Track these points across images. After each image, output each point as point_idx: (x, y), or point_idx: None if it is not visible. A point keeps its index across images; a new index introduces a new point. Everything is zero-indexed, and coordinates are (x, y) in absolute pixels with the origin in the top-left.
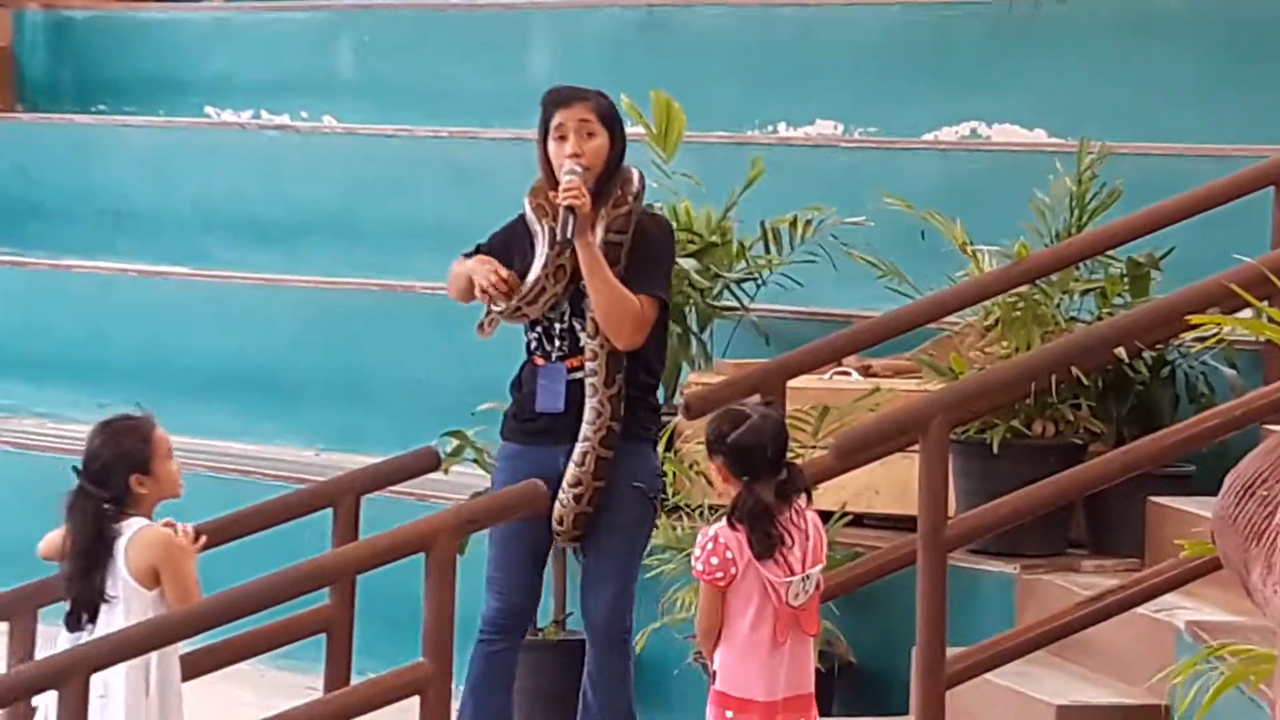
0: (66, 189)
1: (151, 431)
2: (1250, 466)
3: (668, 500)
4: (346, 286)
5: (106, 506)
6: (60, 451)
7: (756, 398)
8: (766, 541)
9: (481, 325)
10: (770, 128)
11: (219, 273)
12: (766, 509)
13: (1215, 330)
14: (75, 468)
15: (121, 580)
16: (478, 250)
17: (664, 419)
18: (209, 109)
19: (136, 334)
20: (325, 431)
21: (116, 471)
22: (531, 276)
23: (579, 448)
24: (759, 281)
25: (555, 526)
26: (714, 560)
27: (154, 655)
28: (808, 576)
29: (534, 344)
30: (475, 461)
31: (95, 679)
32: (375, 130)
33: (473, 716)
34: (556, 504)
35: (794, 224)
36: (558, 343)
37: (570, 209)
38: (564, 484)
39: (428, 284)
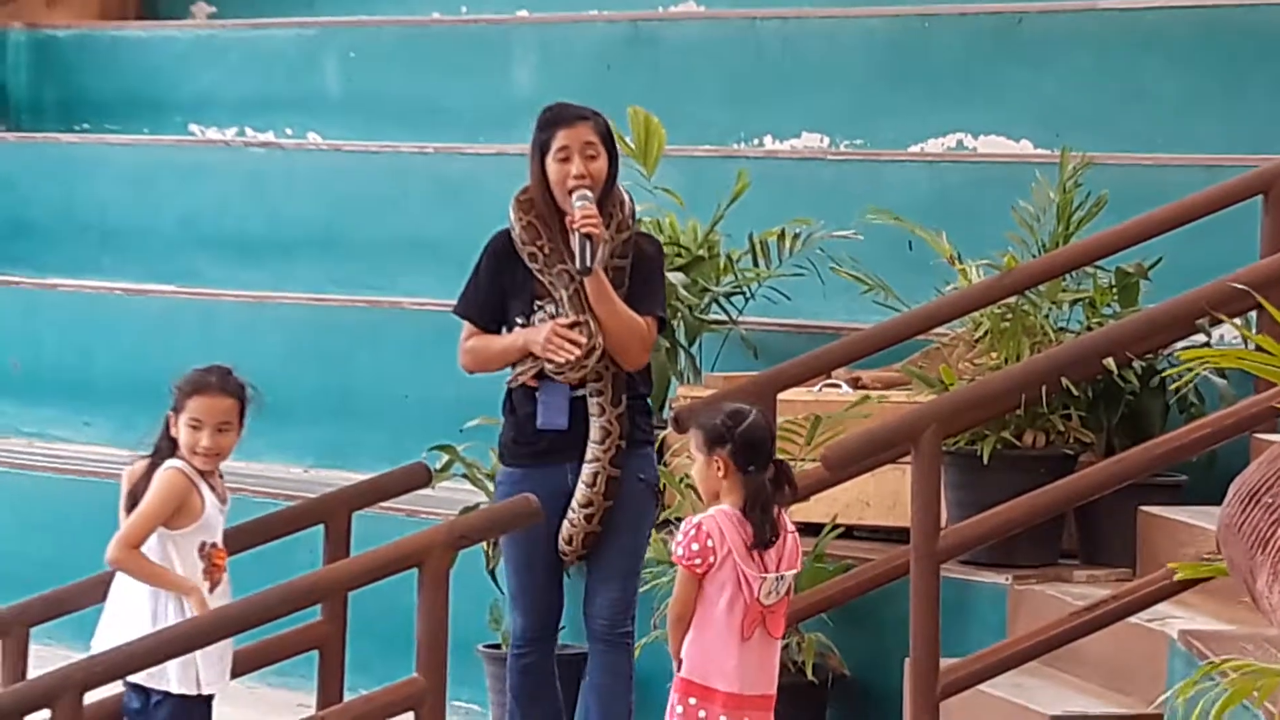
0: (51, 208)
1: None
2: (1255, 475)
3: (661, 509)
4: (333, 303)
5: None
6: (48, 471)
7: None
8: (768, 530)
9: (534, 379)
10: (756, 141)
11: (205, 290)
12: (771, 498)
13: (1205, 343)
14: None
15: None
16: (470, 305)
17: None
18: (193, 127)
19: (123, 352)
20: (314, 448)
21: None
22: (569, 320)
23: (588, 468)
24: (747, 295)
25: (563, 546)
26: (694, 546)
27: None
28: (781, 577)
29: (529, 365)
30: (465, 476)
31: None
32: (360, 147)
33: None
34: (566, 523)
35: (781, 237)
36: None
37: (588, 237)
38: (574, 504)
39: (415, 300)
